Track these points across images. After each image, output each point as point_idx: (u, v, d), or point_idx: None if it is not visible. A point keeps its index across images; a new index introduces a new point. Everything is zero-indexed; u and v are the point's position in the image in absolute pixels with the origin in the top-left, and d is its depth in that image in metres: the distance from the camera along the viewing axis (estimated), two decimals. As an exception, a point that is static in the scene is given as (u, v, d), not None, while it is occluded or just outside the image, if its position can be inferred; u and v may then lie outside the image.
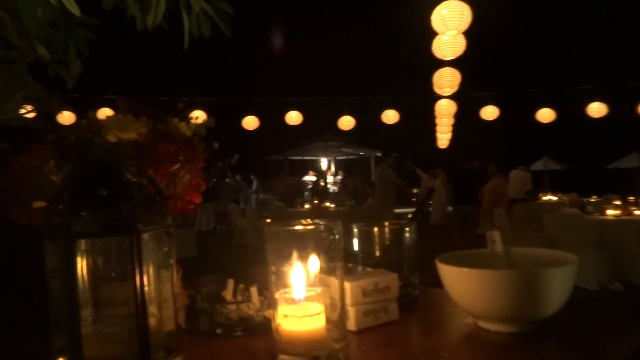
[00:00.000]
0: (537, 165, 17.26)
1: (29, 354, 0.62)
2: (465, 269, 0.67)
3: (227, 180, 14.68)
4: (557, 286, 0.65)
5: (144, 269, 0.53)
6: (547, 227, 5.75)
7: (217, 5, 2.27)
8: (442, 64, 7.81)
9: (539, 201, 9.90)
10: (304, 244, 0.63)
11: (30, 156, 0.67)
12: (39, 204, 0.64)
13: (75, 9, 1.76)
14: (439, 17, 6.68)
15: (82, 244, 0.52)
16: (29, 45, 2.49)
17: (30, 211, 0.67)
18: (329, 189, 16.01)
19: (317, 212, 8.84)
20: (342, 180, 16.42)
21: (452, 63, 7.75)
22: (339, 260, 0.64)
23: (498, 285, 0.64)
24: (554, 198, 10.11)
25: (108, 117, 0.70)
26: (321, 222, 0.64)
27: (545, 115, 11.10)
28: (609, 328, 0.72)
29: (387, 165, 7.76)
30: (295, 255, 0.62)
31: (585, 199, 9.13)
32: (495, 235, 0.80)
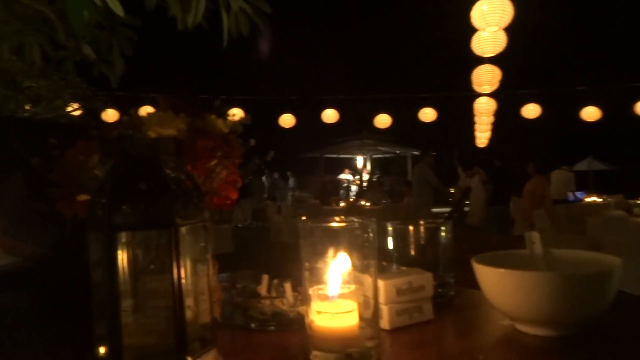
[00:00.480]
0: (581, 166, 16.66)
1: (73, 342, 0.64)
2: (502, 270, 0.66)
3: (262, 178, 14.84)
4: (599, 290, 0.63)
5: (181, 262, 0.55)
6: (591, 230, 5.56)
7: (256, 4, 2.29)
8: (481, 60, 7.66)
9: (583, 202, 9.58)
10: (337, 241, 0.63)
11: (75, 151, 0.70)
12: (83, 197, 0.67)
13: (119, 10, 1.81)
14: (479, 13, 6.55)
15: (123, 236, 0.54)
16: (76, 45, 2.58)
17: (75, 204, 0.70)
18: (364, 187, 15.95)
19: (353, 210, 8.81)
20: (377, 178, 16.32)
21: (492, 60, 7.59)
22: (373, 258, 0.64)
23: (536, 288, 0.63)
24: (599, 199, 9.75)
25: (149, 114, 0.72)
26: (355, 220, 0.64)
27: (590, 113, 10.72)
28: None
29: (425, 164, 7.66)
30: (329, 252, 0.62)
31: (631, 201, 8.75)
32: (535, 236, 0.78)
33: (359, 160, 18.65)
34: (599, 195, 10.16)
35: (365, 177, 16.98)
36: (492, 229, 7.16)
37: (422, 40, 19.49)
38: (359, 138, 16.89)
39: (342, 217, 0.66)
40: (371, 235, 0.64)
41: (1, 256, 0.77)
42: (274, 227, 8.94)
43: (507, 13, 6.46)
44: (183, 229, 0.55)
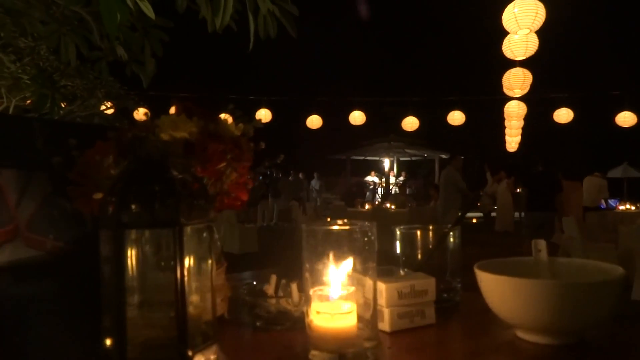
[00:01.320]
0: (616, 173, 16.16)
1: (82, 333, 0.68)
2: (501, 277, 0.66)
3: (289, 178, 14.93)
4: (599, 299, 0.63)
5: (185, 261, 0.57)
6: (622, 238, 5.41)
7: (284, 6, 2.32)
8: (512, 64, 7.53)
9: (616, 210, 9.31)
10: (338, 244, 0.64)
11: (93, 152, 0.74)
12: (98, 195, 0.70)
13: (150, 12, 1.87)
14: (510, 16, 6.45)
15: (131, 234, 0.57)
16: (110, 46, 2.66)
17: (92, 202, 0.74)
18: (390, 190, 15.88)
19: (377, 213, 8.79)
20: (404, 181, 16.22)
21: (523, 63, 7.46)
22: (373, 261, 0.65)
23: (535, 295, 0.63)
24: (632, 207, 9.46)
25: (163, 117, 0.75)
26: (356, 223, 0.66)
27: (626, 119, 10.42)
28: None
29: (453, 168, 7.56)
30: (329, 254, 0.64)
31: (667, 210, 8.47)
32: (541, 243, 0.78)
33: (386, 163, 18.57)
34: (632, 203, 9.86)
35: (392, 179, 16.89)
36: (527, 235, 6.92)
37: (452, 42, 19.30)
38: (387, 140, 16.82)
39: (345, 220, 0.68)
40: (371, 238, 0.65)
41: (24, 250, 0.81)
42: (299, 228, 8.98)
43: (539, 15, 6.35)
44: (188, 229, 0.58)
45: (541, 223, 6.67)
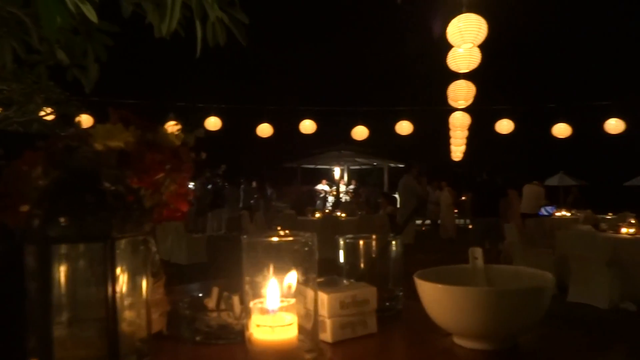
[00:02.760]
0: (552, 181, 17.04)
1: (5, 354, 0.64)
2: (437, 285, 0.68)
3: (241, 187, 14.75)
4: (531, 305, 0.65)
5: (118, 276, 0.55)
6: (559, 244, 5.68)
7: (233, 14, 2.30)
8: (457, 76, 7.79)
9: (553, 217, 9.78)
10: (279, 256, 0.64)
11: (21, 161, 0.70)
12: (25, 208, 0.66)
13: (92, 15, 1.80)
14: (455, 30, 6.67)
15: (59, 248, 0.54)
16: (49, 49, 2.54)
17: (19, 215, 0.70)
18: (341, 198, 16.00)
19: (328, 222, 8.83)
20: (354, 189, 16.40)
21: (467, 76, 7.72)
22: (314, 272, 0.65)
23: (470, 302, 0.65)
24: (568, 214, 9.98)
25: (97, 126, 0.72)
26: (297, 234, 0.65)
27: (562, 130, 11.00)
28: (584, 347, 0.71)
29: (410, 176, 7.69)
30: (270, 266, 0.63)
31: (600, 216, 8.99)
32: (477, 251, 0.81)
33: (336, 171, 18.73)
34: (568, 210, 10.40)
35: (342, 188, 17.05)
36: (473, 242, 7.20)
37: (400, 54, 19.80)
38: (337, 149, 17.00)
39: (287, 231, 0.68)
40: (312, 249, 0.65)
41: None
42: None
43: (482, 31, 6.61)
44: (121, 242, 0.56)
45: (487, 229, 6.94)
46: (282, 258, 0.64)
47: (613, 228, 6.13)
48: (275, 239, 0.65)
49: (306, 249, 0.64)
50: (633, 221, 6.67)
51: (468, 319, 0.65)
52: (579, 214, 9.85)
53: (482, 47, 6.89)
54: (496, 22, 6.74)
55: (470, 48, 6.97)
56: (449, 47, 7.08)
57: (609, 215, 9.02)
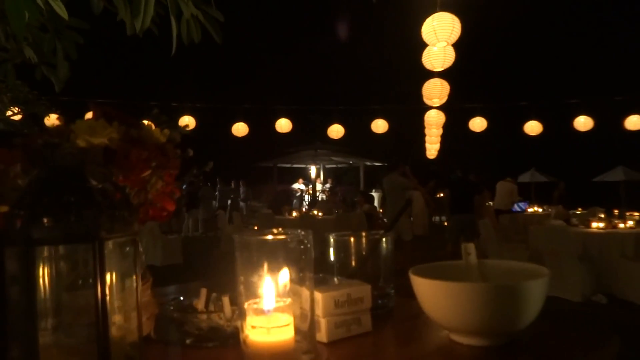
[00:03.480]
0: (524, 177, 17.39)
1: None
2: (434, 281, 0.67)
3: (217, 187, 14.60)
4: (528, 300, 0.65)
5: (106, 278, 0.52)
6: (532, 239, 5.79)
7: (208, 12, 2.26)
8: (431, 75, 7.86)
9: (526, 213, 9.98)
10: (273, 255, 0.62)
11: (-4, 160, 0.66)
12: (3, 208, 0.63)
13: (63, 12, 1.74)
14: (430, 29, 6.73)
15: (43, 251, 0.51)
16: (17, 47, 2.45)
17: (-4, 216, 0.66)
18: (317, 197, 16.00)
19: (305, 220, 8.81)
20: (331, 188, 16.42)
21: (441, 74, 7.80)
22: (309, 271, 0.63)
23: (466, 298, 0.64)
24: (540, 210, 10.20)
25: (78, 122, 0.69)
26: (292, 232, 0.63)
27: (532, 127, 11.22)
28: (580, 342, 0.72)
29: (397, 174, 7.66)
30: (264, 265, 0.61)
31: (570, 212, 9.22)
32: (470, 247, 0.80)
33: (312, 170, 18.72)
34: (540, 206, 10.63)
35: (319, 187, 17.05)
36: (450, 239, 7.28)
37: (375, 53, 19.90)
38: (313, 148, 16.98)
39: (280, 229, 0.66)
40: (308, 247, 0.63)
41: None
42: (225, 238, 8.80)
43: (456, 29, 6.68)
44: (109, 243, 0.53)
45: (463, 227, 7.04)
46: (277, 257, 0.62)
47: (584, 223, 6.29)
48: (269, 237, 0.63)
49: (302, 247, 0.63)
50: (602, 216, 6.86)
51: (467, 315, 0.64)
52: (550, 210, 10.09)
53: (456, 46, 6.97)
54: (469, 21, 6.83)
55: (444, 46, 7.05)
56: (424, 45, 7.14)
57: (579, 211, 9.26)
